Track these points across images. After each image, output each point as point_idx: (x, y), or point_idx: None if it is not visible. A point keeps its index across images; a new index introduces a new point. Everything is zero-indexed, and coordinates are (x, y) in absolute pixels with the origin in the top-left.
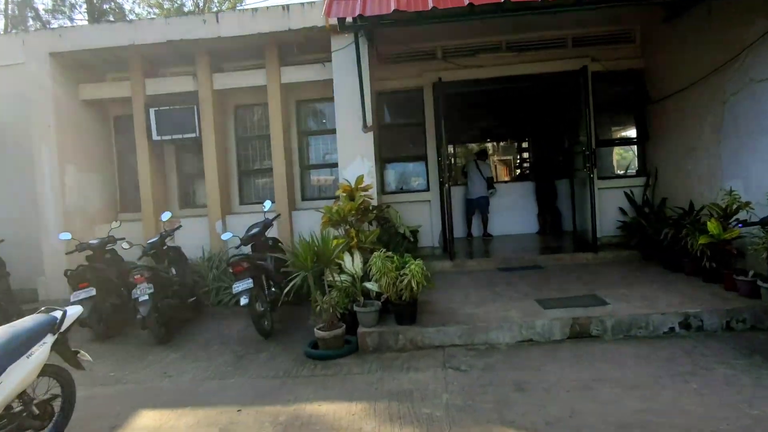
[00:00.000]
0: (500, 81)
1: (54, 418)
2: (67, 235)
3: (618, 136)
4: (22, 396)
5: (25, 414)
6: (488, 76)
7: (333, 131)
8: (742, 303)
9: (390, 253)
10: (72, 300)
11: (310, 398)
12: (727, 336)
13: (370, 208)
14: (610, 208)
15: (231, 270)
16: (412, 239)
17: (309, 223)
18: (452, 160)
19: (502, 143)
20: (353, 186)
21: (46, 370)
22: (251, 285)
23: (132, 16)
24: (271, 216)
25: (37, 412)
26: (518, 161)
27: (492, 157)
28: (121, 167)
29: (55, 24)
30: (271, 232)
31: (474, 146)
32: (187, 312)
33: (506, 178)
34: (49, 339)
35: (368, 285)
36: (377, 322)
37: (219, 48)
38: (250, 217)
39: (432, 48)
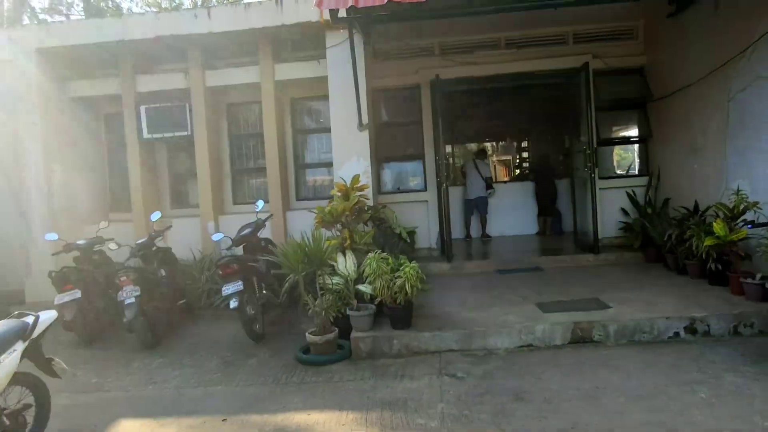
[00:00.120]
0: (499, 79)
1: (27, 429)
2: (53, 236)
3: (620, 135)
4: None
5: None
6: (487, 73)
7: (329, 130)
8: (750, 307)
9: (385, 255)
10: (56, 302)
11: (299, 407)
12: (734, 341)
13: (366, 208)
14: (611, 208)
15: (219, 272)
16: (408, 240)
17: (304, 223)
18: (450, 159)
19: (501, 143)
20: (349, 185)
21: (18, 379)
22: (241, 287)
23: None
24: (263, 216)
25: (7, 423)
26: (518, 161)
27: (491, 157)
28: (112, 166)
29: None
30: (265, 233)
31: (473, 145)
32: (177, 315)
33: (505, 178)
34: (20, 346)
35: (362, 287)
36: (371, 326)
37: (211, 44)
38: (243, 218)
39: (429, 45)
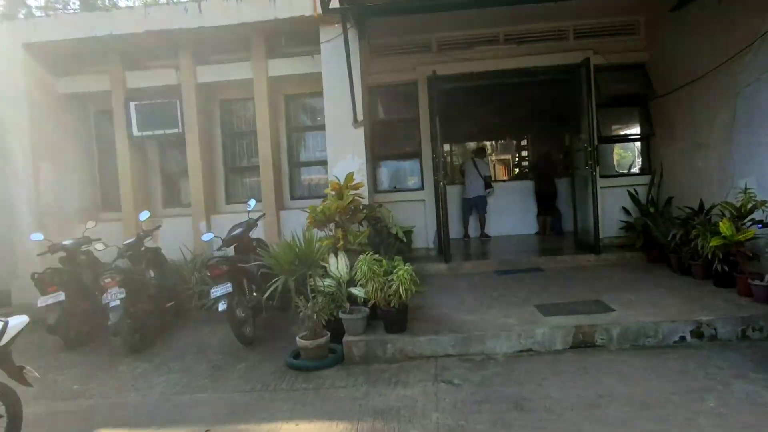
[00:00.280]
0: (498, 75)
1: None
2: (39, 236)
3: (621, 132)
4: None
5: None
6: (485, 69)
7: (324, 127)
8: (759, 309)
9: (377, 256)
10: (39, 305)
11: (288, 416)
12: (743, 346)
13: (361, 207)
14: (612, 207)
15: (208, 273)
16: (405, 240)
17: (298, 223)
18: (448, 158)
19: (500, 141)
20: (343, 184)
21: None
22: (230, 290)
23: None
24: (255, 216)
25: None
26: (517, 159)
27: (490, 156)
28: (102, 165)
29: None
30: (257, 233)
31: (471, 144)
32: (166, 317)
33: (505, 177)
34: None
35: (354, 290)
36: (365, 329)
37: (202, 39)
38: (237, 217)
39: (426, 40)
